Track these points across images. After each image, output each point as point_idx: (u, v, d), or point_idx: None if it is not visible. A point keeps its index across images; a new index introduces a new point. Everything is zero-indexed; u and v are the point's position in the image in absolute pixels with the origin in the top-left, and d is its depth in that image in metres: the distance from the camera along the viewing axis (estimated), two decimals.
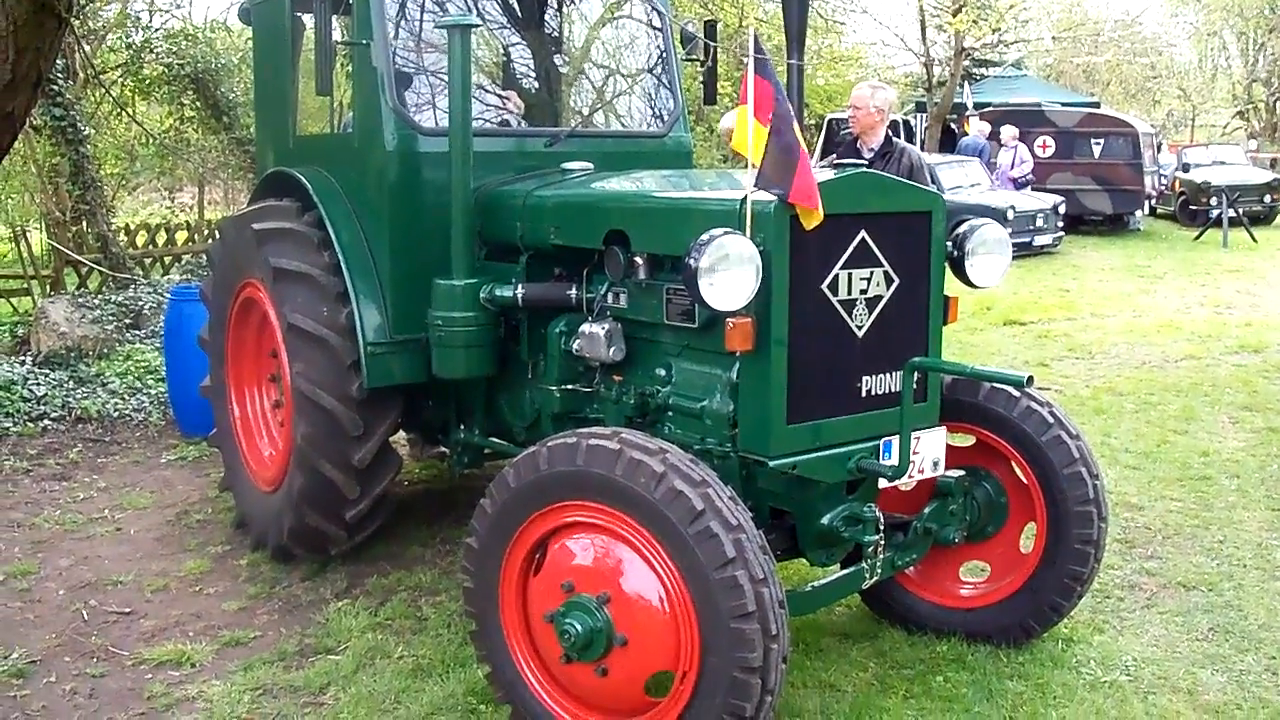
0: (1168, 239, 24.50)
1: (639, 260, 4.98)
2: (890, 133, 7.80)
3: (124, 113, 15.64)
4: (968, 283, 5.08)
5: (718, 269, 4.23)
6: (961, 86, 29.50)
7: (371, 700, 4.97)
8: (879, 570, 4.95)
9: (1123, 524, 6.89)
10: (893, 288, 4.70)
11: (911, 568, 5.28)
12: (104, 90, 15.14)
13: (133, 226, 17.24)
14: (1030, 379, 4.47)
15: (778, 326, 4.39)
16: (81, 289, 13.19)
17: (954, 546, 5.26)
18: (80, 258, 13.31)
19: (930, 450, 4.76)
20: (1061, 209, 21.53)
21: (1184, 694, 4.99)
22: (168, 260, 16.11)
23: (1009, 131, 22.97)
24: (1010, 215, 19.33)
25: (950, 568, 5.53)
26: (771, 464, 4.46)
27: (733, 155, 18.81)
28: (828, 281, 4.51)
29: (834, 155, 7.58)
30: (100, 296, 11.89)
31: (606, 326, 5.14)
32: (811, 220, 4.28)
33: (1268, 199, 26.70)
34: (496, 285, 5.54)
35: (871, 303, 4.65)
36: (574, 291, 5.37)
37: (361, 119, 6.12)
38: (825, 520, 4.75)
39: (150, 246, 16.59)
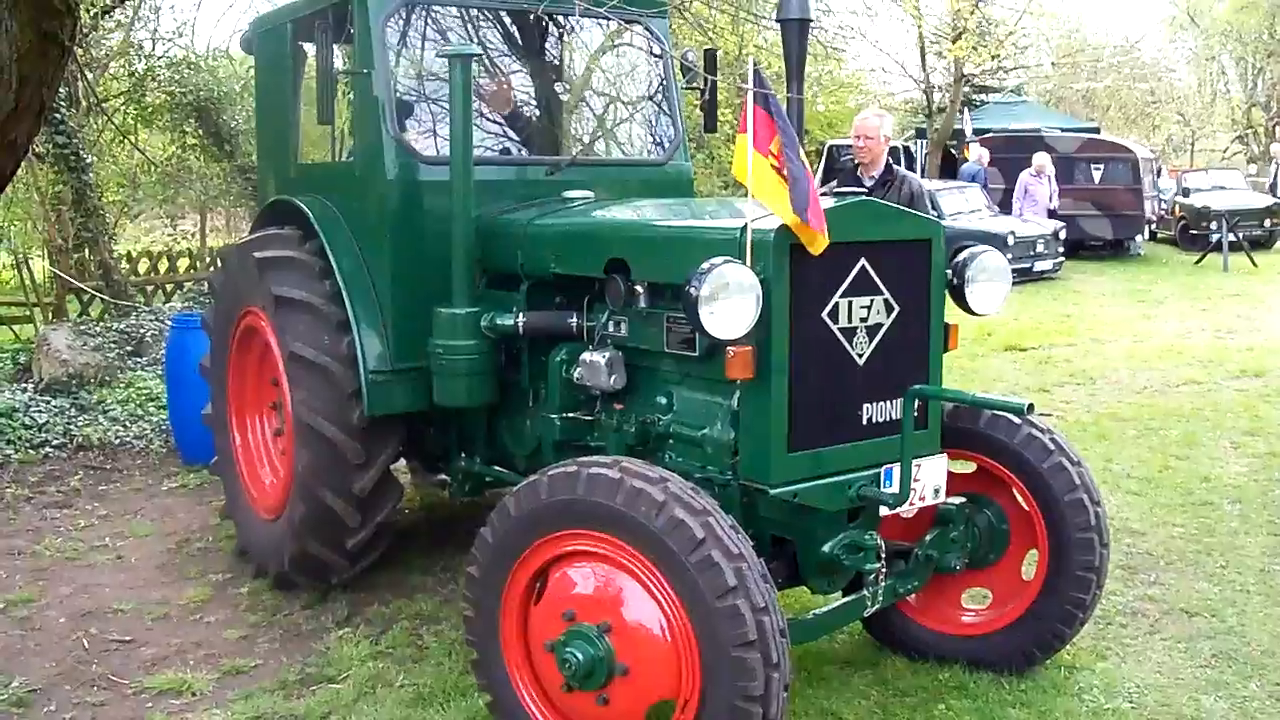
0: (1168, 264, 24.51)
1: (640, 289, 4.99)
2: (890, 160, 7.82)
3: (126, 140, 15.71)
4: (968, 310, 5.09)
5: (718, 297, 4.24)
6: (961, 113, 29.57)
7: None
8: (880, 598, 4.94)
9: (1125, 550, 6.88)
10: (893, 315, 4.71)
11: (913, 595, 5.28)
12: (107, 118, 15.21)
13: (135, 254, 17.29)
14: (1031, 406, 4.47)
15: (778, 355, 4.39)
16: (83, 316, 13.21)
17: (955, 574, 5.25)
18: (82, 285, 13.34)
19: (931, 478, 4.75)
20: (1062, 234, 21.56)
21: None
22: (169, 288, 16.14)
23: (1042, 160, 22.83)
24: (1010, 241, 19.36)
25: (952, 595, 5.52)
26: (772, 492, 4.46)
27: (734, 183, 18.86)
28: (828, 309, 4.52)
29: (834, 183, 7.60)
30: (102, 324, 11.91)
31: (607, 355, 5.14)
32: (818, 247, 4.29)
33: (1268, 223, 26.67)
34: (497, 314, 5.55)
35: (872, 330, 4.65)
36: (575, 320, 5.38)
37: (363, 147, 6.14)
38: (826, 548, 4.75)
39: (152, 274, 16.62)
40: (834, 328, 4.55)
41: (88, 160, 13.11)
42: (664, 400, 5.02)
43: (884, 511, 4.76)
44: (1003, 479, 5.22)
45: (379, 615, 6.20)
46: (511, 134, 6.74)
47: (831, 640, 5.70)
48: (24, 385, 10.46)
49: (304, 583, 6.39)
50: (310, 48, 6.73)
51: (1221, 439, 9.53)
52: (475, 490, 6.53)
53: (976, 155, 24.39)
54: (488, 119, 6.60)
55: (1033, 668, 5.32)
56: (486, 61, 6.62)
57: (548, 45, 7.00)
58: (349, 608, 6.30)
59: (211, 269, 12.59)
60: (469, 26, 6.45)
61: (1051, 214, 22.43)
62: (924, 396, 4.74)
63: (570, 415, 5.43)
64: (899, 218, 4.82)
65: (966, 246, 5.14)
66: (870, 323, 4.64)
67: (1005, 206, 23.44)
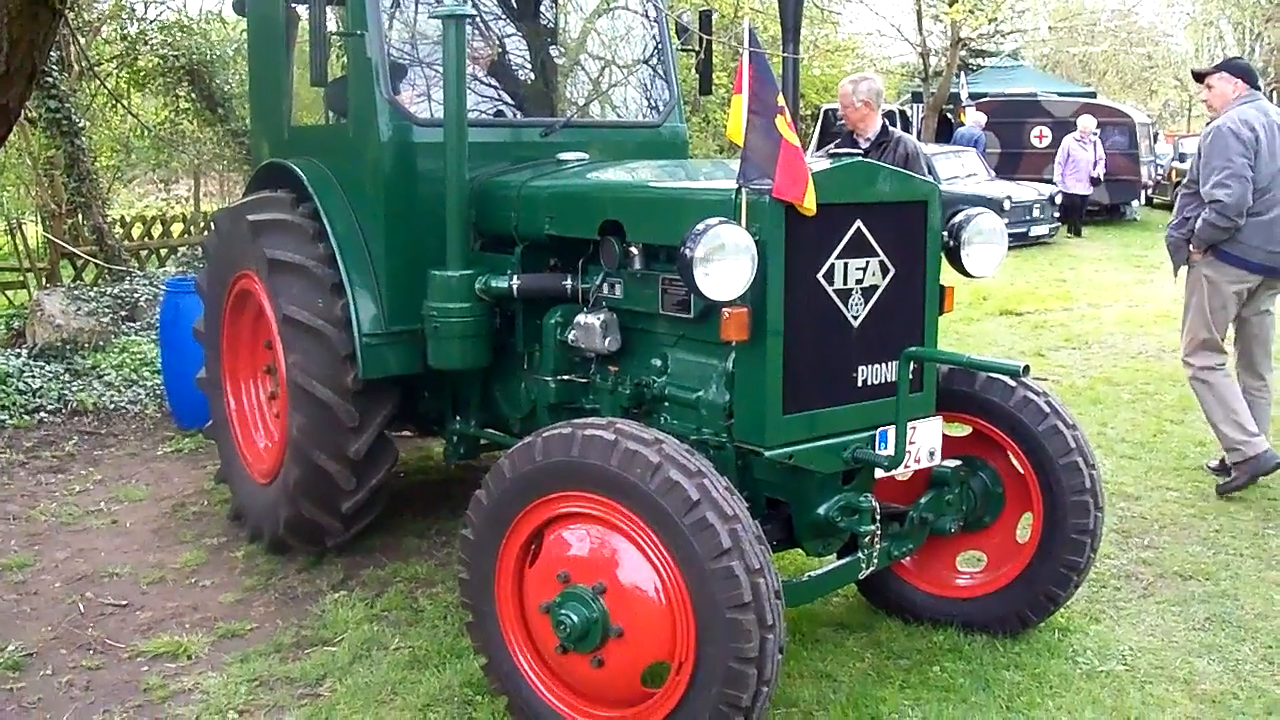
0: (1162, 228, 24.45)
1: (634, 250, 4.98)
2: (886, 122, 7.82)
3: (119, 105, 15.60)
4: (963, 272, 5.08)
5: (713, 259, 4.22)
6: (958, 77, 29.50)
7: (368, 692, 4.97)
8: (875, 560, 4.94)
9: (1119, 514, 6.90)
10: (888, 277, 4.70)
11: (908, 558, 5.28)
12: (99, 82, 15.10)
13: (128, 219, 17.20)
14: (1026, 368, 4.46)
15: (773, 316, 4.38)
16: (77, 281, 13.16)
17: (950, 536, 5.26)
18: (76, 250, 13.29)
19: (926, 440, 4.76)
20: (1058, 199, 21.53)
21: (1180, 683, 4.99)
22: (163, 252, 16.08)
23: (1088, 123, 22.64)
24: (1007, 206, 19.35)
25: (947, 558, 5.53)
26: (767, 454, 4.46)
27: (729, 146, 18.82)
28: (823, 271, 4.51)
29: (830, 146, 7.59)
30: (96, 289, 11.86)
31: (602, 317, 5.13)
32: (809, 206, 4.28)
33: None
34: (492, 276, 5.53)
35: (867, 292, 4.64)
36: (569, 282, 5.37)
37: (356, 110, 6.10)
38: (821, 510, 4.75)
39: (146, 239, 16.56)
40: (829, 289, 4.53)
41: (80, 124, 13.02)
42: (659, 362, 5.01)
43: (879, 474, 4.78)
44: (998, 442, 5.22)
45: (374, 578, 6.21)
46: (506, 96, 6.70)
47: (826, 602, 5.71)
48: (18, 350, 10.43)
49: (299, 546, 6.40)
50: (303, 10, 6.69)
51: None
52: (470, 453, 6.52)
53: (974, 119, 24.32)
54: (482, 81, 6.56)
55: (1027, 630, 5.33)
56: (480, 23, 6.58)
57: (542, 6, 6.96)
58: (344, 571, 6.31)
59: (205, 233, 12.57)
60: None
61: (1095, 181, 22.32)
62: (919, 359, 4.74)
63: (565, 377, 5.42)
64: (894, 179, 4.79)
65: (962, 209, 5.13)
66: (865, 284, 4.63)
67: (1001, 171, 23.41)
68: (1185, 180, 7.50)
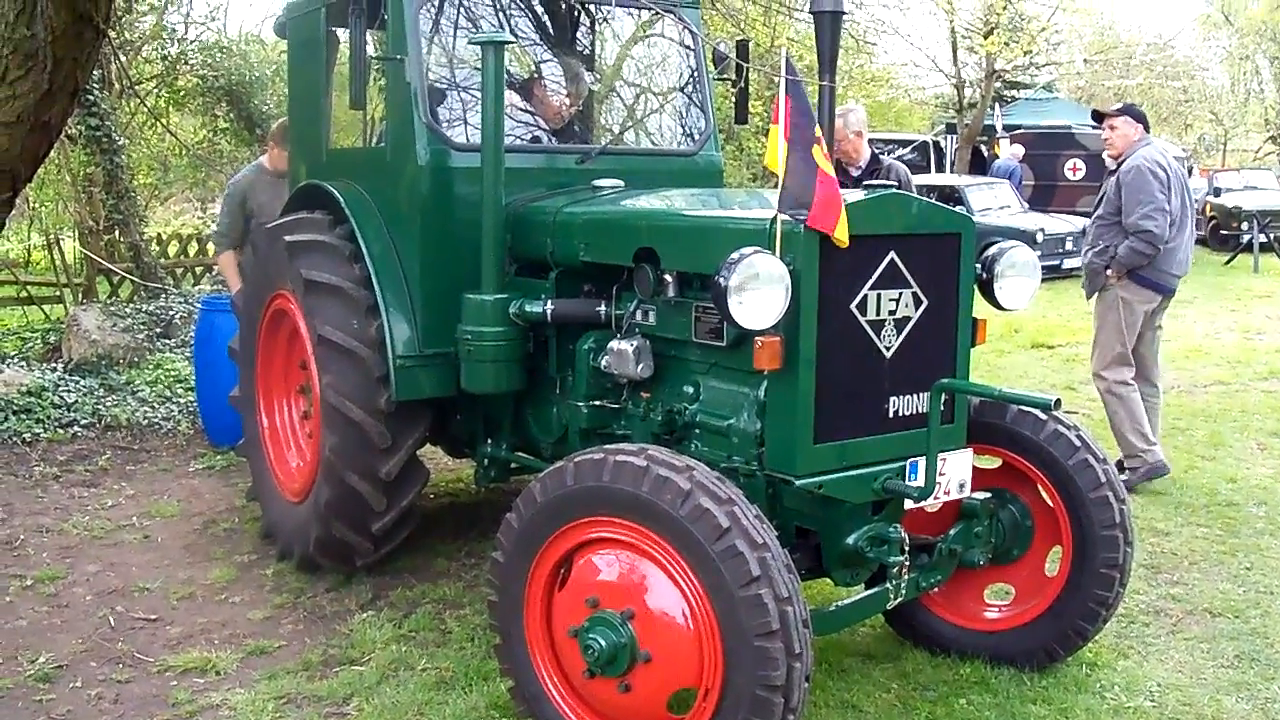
0: (1198, 263, 24.11)
1: (668, 278, 5.00)
2: (874, 150, 7.91)
3: (158, 123, 15.78)
4: (996, 305, 5.08)
5: (747, 288, 4.24)
6: (992, 108, 29.47)
7: (394, 712, 4.99)
8: (903, 591, 4.94)
9: (1149, 549, 6.86)
10: (921, 309, 4.71)
11: (936, 589, 5.26)
12: (139, 101, 15.28)
13: (165, 236, 17.34)
14: (1058, 402, 4.47)
15: (806, 346, 4.40)
16: (113, 298, 13.28)
17: (979, 569, 5.24)
18: (112, 266, 13.41)
19: (956, 472, 4.76)
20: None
21: None
22: (199, 270, 16.20)
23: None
24: (1040, 238, 19.30)
25: (975, 590, 5.52)
26: (798, 483, 4.47)
27: (764, 174, 18.85)
28: (856, 302, 4.52)
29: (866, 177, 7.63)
30: (131, 305, 11.97)
31: (635, 343, 5.16)
32: (842, 237, 4.30)
33: None
34: (526, 301, 5.56)
35: (900, 323, 4.65)
36: (603, 308, 5.40)
37: (394, 133, 6.15)
38: (850, 540, 4.75)
39: (182, 256, 16.69)
40: (862, 320, 4.55)
41: (120, 142, 13.16)
42: (691, 389, 5.04)
43: (909, 505, 4.77)
44: (1028, 475, 5.21)
45: (403, 599, 6.24)
46: (542, 122, 6.74)
47: (853, 632, 5.71)
48: (54, 365, 10.52)
49: (328, 565, 6.43)
50: (343, 33, 6.74)
51: (1248, 440, 9.50)
52: (500, 476, 6.54)
53: (1011, 151, 24.28)
54: (519, 107, 6.61)
55: (1054, 665, 5.31)
56: (518, 49, 6.64)
57: (579, 34, 7.01)
58: (373, 591, 6.33)
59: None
60: (501, 14, 6.47)
61: None
62: (951, 390, 4.74)
63: (597, 403, 5.44)
64: (929, 211, 4.81)
65: (996, 242, 5.14)
66: (898, 315, 4.64)
67: (1035, 203, 23.35)
68: (1101, 212, 8.16)
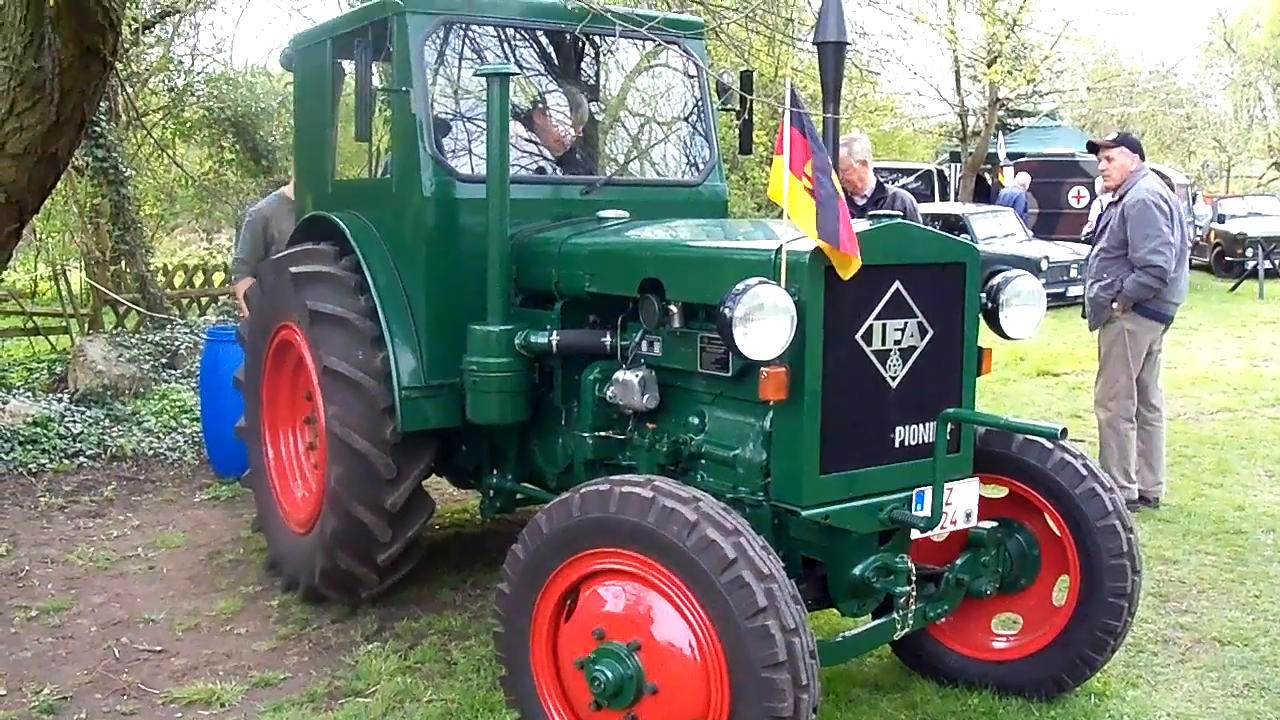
0: (1202, 290, 24.34)
1: (674, 308, 5.00)
2: (879, 179, 7.93)
3: (165, 155, 15.85)
4: (1001, 334, 5.09)
5: (752, 318, 4.25)
6: (995, 137, 29.52)
7: None
8: (910, 621, 4.93)
9: (1156, 578, 6.84)
10: (927, 338, 4.71)
11: (943, 619, 5.24)
12: (145, 132, 15.35)
13: (171, 267, 17.40)
14: (1064, 431, 4.47)
15: (811, 376, 4.40)
16: (119, 328, 13.31)
17: (986, 598, 5.23)
18: (118, 297, 13.45)
19: (963, 501, 4.75)
20: None
21: None
22: (204, 301, 16.22)
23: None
24: (1044, 266, 19.31)
25: (982, 620, 5.50)
26: (804, 514, 4.46)
27: (768, 205, 18.87)
28: (862, 332, 4.53)
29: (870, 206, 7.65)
30: (137, 336, 12.00)
31: (640, 374, 5.15)
32: (849, 269, 4.30)
33: None
34: (531, 331, 5.57)
35: (905, 353, 4.65)
36: (608, 339, 5.40)
37: (400, 165, 6.17)
38: (857, 571, 4.74)
39: (187, 287, 16.72)
40: (867, 350, 4.55)
41: (126, 173, 13.23)
42: (696, 420, 5.03)
43: (915, 535, 4.75)
44: (1035, 504, 5.20)
45: (408, 630, 6.22)
46: (547, 153, 6.77)
47: (861, 663, 5.69)
48: (60, 395, 10.55)
49: (334, 596, 6.42)
50: (349, 65, 6.79)
51: (1255, 467, 9.47)
52: (506, 507, 6.54)
53: (1018, 180, 24.33)
54: (524, 138, 6.63)
55: (1063, 694, 5.29)
56: (523, 80, 6.66)
57: (584, 65, 7.03)
58: (378, 622, 6.32)
59: None
60: (506, 46, 6.49)
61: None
62: (957, 420, 4.74)
63: (603, 434, 5.44)
64: (934, 240, 4.82)
65: (1000, 270, 5.15)
66: (904, 345, 4.64)
67: (1039, 231, 23.36)
68: (1105, 245, 8.13)
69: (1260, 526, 7.86)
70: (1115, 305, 7.99)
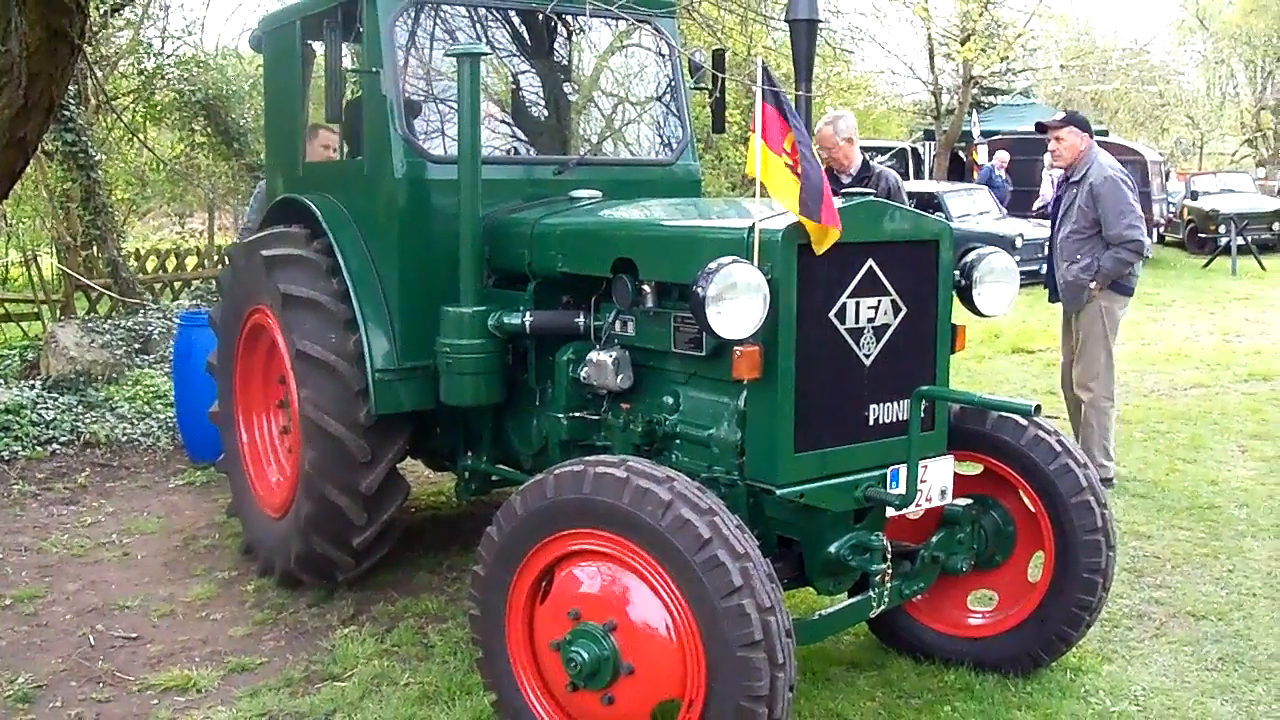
0: (1176, 267, 24.49)
1: (647, 288, 4.99)
2: (865, 157, 7.93)
3: (135, 138, 15.72)
4: (975, 311, 5.09)
5: (725, 297, 4.23)
6: (969, 115, 29.55)
7: None
8: (886, 599, 4.94)
9: (1131, 553, 6.87)
10: (900, 316, 4.71)
11: (919, 597, 5.26)
12: (115, 116, 15.22)
13: (143, 252, 17.30)
14: (1038, 408, 4.47)
15: (785, 355, 4.39)
16: (91, 314, 13.22)
17: (961, 575, 5.24)
18: (90, 283, 13.36)
19: (938, 479, 4.75)
20: None
21: None
22: (177, 286, 16.16)
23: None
24: (1018, 244, 19.35)
25: (958, 597, 5.52)
26: (779, 492, 4.46)
27: (742, 183, 18.86)
28: (835, 310, 4.52)
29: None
30: (110, 321, 11.91)
31: (614, 354, 5.14)
32: (826, 243, 4.29)
33: (1276, 227, 26.70)
34: (504, 313, 5.55)
35: (879, 331, 4.65)
36: (582, 319, 5.38)
37: (371, 146, 6.14)
38: (832, 549, 4.75)
39: (160, 272, 16.64)
40: (841, 328, 4.55)
41: (96, 158, 13.11)
42: (670, 400, 5.02)
43: (890, 512, 4.76)
44: (1009, 480, 5.21)
45: (384, 613, 6.21)
46: (519, 133, 6.74)
47: (837, 641, 5.70)
48: (32, 382, 10.46)
49: (310, 580, 6.40)
50: (319, 46, 6.74)
51: (1229, 443, 9.53)
52: (481, 489, 6.53)
53: (998, 157, 24.37)
54: (496, 119, 6.60)
55: (1038, 670, 5.31)
56: (494, 61, 6.63)
57: (556, 45, 7.00)
58: (354, 606, 6.31)
59: (219, 267, 12.64)
60: (477, 26, 6.45)
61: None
62: (931, 397, 4.74)
63: (577, 414, 5.43)
64: (907, 218, 4.81)
65: (975, 248, 5.15)
66: (877, 323, 4.64)
67: (1012, 209, 23.40)
68: (1077, 225, 8.07)
69: (1233, 501, 7.90)
70: (1094, 285, 8.00)
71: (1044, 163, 24.29)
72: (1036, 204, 23.35)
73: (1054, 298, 8.42)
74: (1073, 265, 8.07)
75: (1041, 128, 8.43)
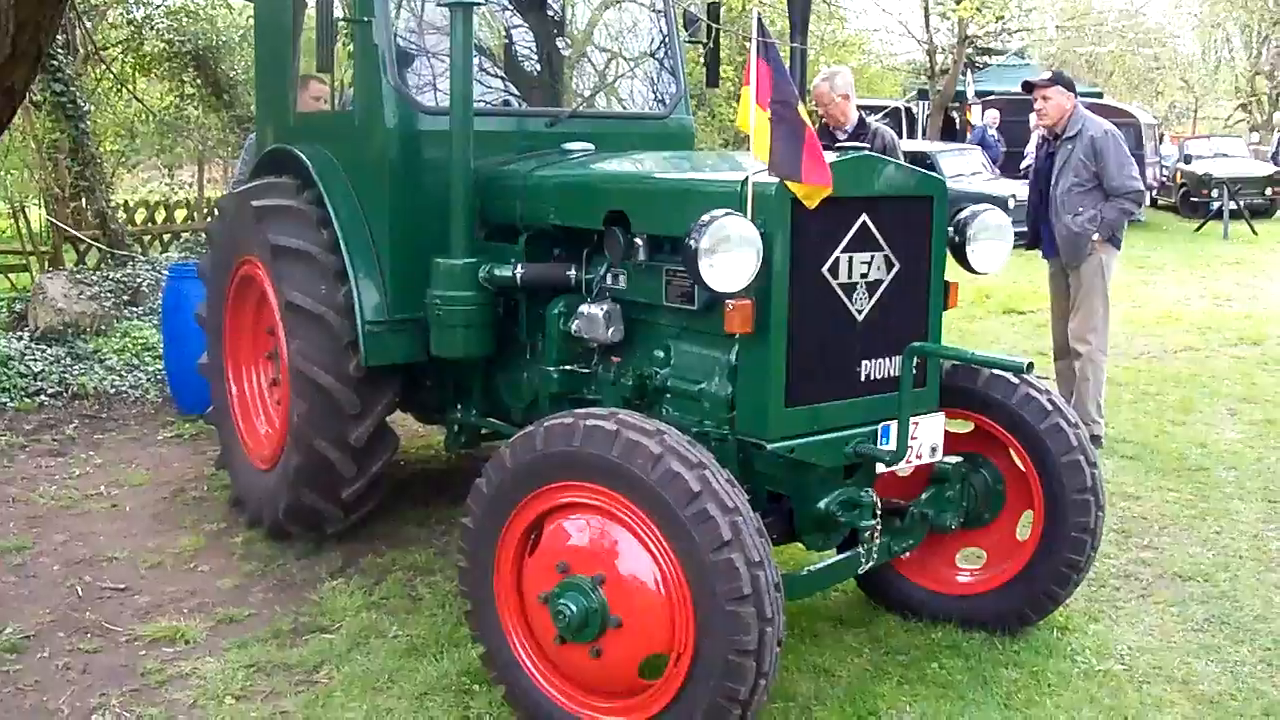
0: (1168, 230, 24.49)
1: (639, 241, 4.96)
2: (862, 114, 7.91)
3: (124, 89, 15.62)
4: (969, 268, 5.07)
5: (718, 250, 4.21)
6: (964, 75, 29.45)
7: (365, 679, 4.97)
8: (875, 555, 4.94)
9: (1119, 513, 6.89)
10: (893, 272, 4.69)
11: (908, 554, 5.26)
12: (104, 66, 15.12)
13: (132, 204, 17.21)
14: (1030, 365, 4.47)
15: (777, 309, 4.37)
16: (80, 265, 13.16)
17: (950, 533, 5.25)
18: (79, 234, 13.30)
19: (928, 436, 4.74)
20: None
21: (1179, 684, 4.98)
22: (166, 237, 16.09)
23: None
24: (1011, 204, 19.30)
25: (946, 554, 5.52)
26: (769, 447, 4.45)
27: (735, 138, 18.80)
28: (828, 265, 4.50)
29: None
30: (98, 273, 11.87)
31: (605, 307, 5.12)
32: (814, 200, 4.26)
33: (1269, 192, 26.69)
34: (495, 265, 5.52)
35: (872, 287, 4.63)
36: (573, 272, 5.36)
37: (362, 97, 6.09)
38: (822, 504, 4.74)
39: (149, 224, 16.57)
40: (834, 283, 4.52)
41: (85, 109, 13.01)
42: (662, 354, 5.00)
43: (880, 469, 4.75)
44: (1000, 439, 5.20)
45: (373, 566, 6.21)
46: (512, 85, 6.69)
47: (825, 597, 5.71)
48: (20, 334, 10.42)
49: (298, 533, 6.39)
50: None
51: (1218, 405, 9.54)
52: (471, 442, 6.52)
53: (988, 116, 24.30)
54: (488, 70, 6.55)
55: (1026, 628, 5.32)
56: (487, 12, 6.57)
57: None
58: (343, 558, 6.30)
59: (209, 218, 12.57)
60: None
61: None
62: (923, 354, 4.72)
63: (567, 368, 5.41)
64: (901, 173, 4.79)
65: (968, 206, 5.12)
66: (870, 279, 4.62)
67: (1006, 169, 23.36)
68: (1077, 179, 8.09)
69: (1222, 463, 7.92)
70: (1096, 236, 8.04)
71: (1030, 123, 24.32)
72: (1024, 163, 23.27)
73: (1049, 253, 8.42)
74: (1077, 217, 8.07)
75: (1029, 86, 8.43)
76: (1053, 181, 8.22)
